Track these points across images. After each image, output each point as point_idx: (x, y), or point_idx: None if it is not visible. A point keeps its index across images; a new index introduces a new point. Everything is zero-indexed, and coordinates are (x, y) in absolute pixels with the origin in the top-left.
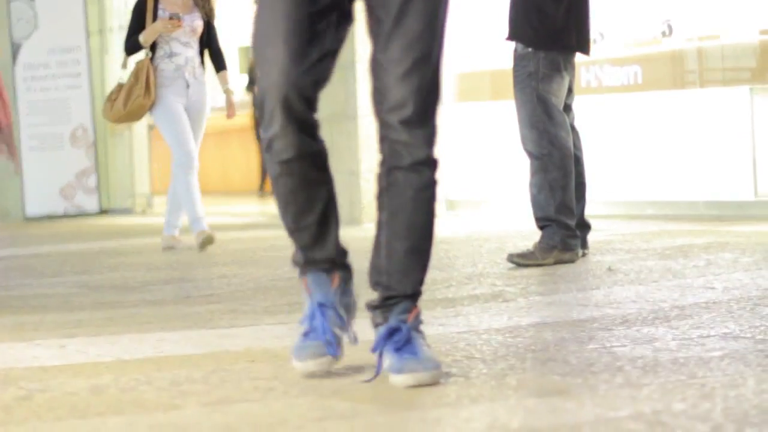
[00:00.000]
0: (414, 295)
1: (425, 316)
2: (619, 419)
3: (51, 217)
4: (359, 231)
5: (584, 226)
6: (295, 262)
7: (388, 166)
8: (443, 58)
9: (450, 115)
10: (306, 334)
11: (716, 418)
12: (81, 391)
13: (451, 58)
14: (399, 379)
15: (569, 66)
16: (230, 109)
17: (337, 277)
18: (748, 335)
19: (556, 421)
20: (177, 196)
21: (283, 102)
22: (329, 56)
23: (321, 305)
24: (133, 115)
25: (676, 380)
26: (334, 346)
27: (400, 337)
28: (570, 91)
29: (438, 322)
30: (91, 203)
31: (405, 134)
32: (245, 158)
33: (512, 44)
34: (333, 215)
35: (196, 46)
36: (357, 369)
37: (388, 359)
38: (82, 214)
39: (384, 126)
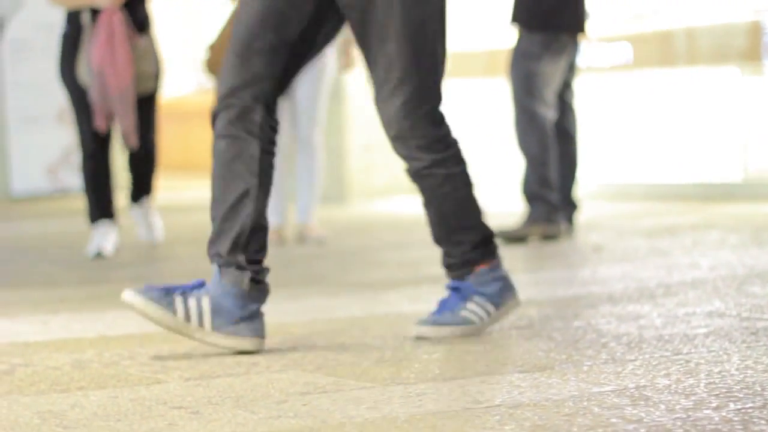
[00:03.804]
0: (465, 263)
1: (410, 293)
2: (603, 394)
3: (36, 195)
4: (345, 209)
5: (572, 205)
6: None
7: (406, 170)
8: (437, 61)
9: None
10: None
11: (700, 393)
12: (63, 366)
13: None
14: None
15: (567, 46)
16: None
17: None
18: (734, 313)
19: (540, 396)
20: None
21: None
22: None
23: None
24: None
25: (660, 356)
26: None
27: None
28: (571, 70)
29: (424, 299)
30: (76, 182)
31: (400, 149)
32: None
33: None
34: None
35: None
36: (340, 345)
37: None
38: (68, 192)
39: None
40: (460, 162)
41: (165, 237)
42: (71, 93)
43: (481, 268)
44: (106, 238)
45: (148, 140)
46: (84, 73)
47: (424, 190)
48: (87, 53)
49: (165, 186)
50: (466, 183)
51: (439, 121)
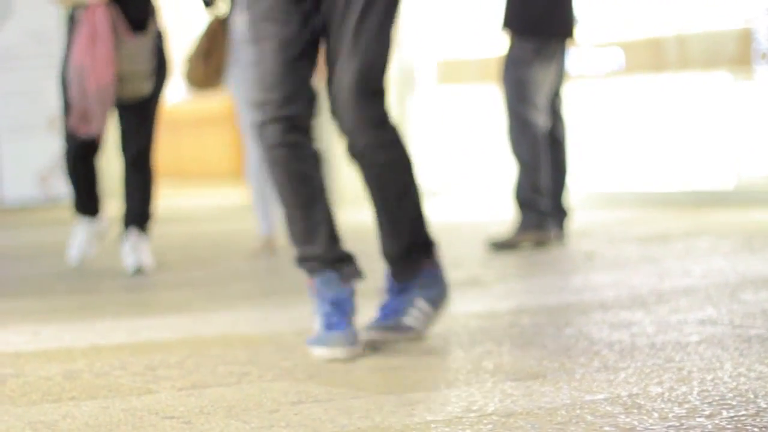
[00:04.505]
0: (408, 260)
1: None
2: (596, 402)
3: (28, 203)
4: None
5: (562, 212)
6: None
7: (348, 148)
8: (393, 42)
9: (429, 99)
10: (328, 327)
11: (693, 401)
12: (55, 376)
13: (431, 45)
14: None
15: (556, 53)
16: None
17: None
18: (726, 320)
19: (533, 405)
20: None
21: None
22: None
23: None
24: (214, 79)
25: (653, 364)
26: (353, 339)
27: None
28: (560, 77)
29: None
30: (67, 190)
31: (347, 122)
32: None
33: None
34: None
35: None
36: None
37: None
38: (60, 201)
39: None
40: (403, 146)
41: (155, 245)
42: (61, 93)
43: (425, 269)
44: (89, 242)
45: (142, 150)
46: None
47: (368, 172)
48: (70, 51)
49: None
50: (408, 169)
51: (385, 101)
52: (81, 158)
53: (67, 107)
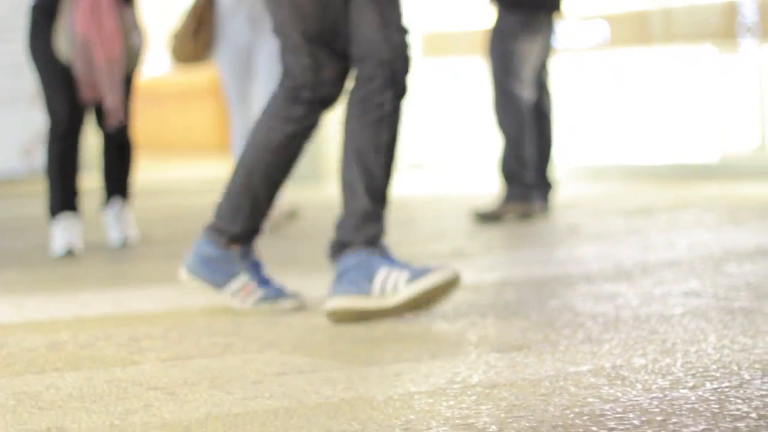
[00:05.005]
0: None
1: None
2: (580, 374)
3: (12, 176)
4: (321, 189)
5: (547, 185)
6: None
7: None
8: None
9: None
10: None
11: (676, 372)
12: (39, 348)
13: (417, 16)
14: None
15: (543, 26)
16: None
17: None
18: (710, 293)
19: (516, 376)
20: None
21: None
22: None
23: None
24: (203, 54)
25: (637, 336)
26: None
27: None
28: (546, 50)
29: None
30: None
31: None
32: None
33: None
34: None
35: None
36: (316, 326)
37: None
38: (43, 174)
39: None
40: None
41: (140, 217)
42: (44, 67)
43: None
44: (72, 233)
45: (123, 126)
46: (64, 44)
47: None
48: (68, 22)
49: (139, 168)
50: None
51: None
52: (67, 135)
53: (53, 85)
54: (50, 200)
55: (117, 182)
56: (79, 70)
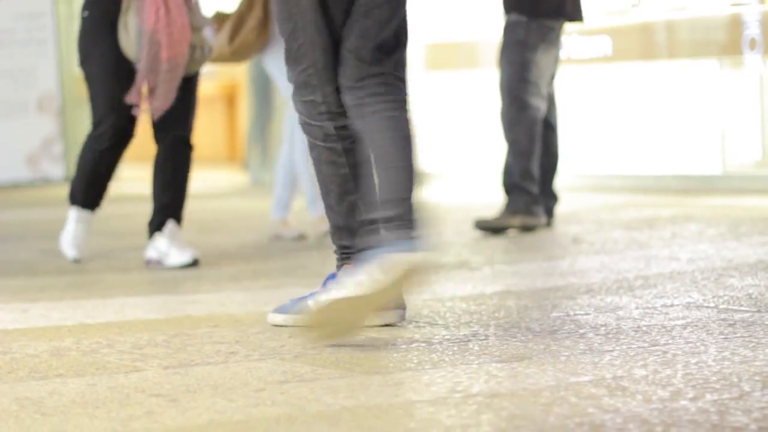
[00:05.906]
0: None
1: None
2: (581, 384)
3: (16, 185)
4: None
5: (552, 197)
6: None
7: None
8: None
9: (419, 85)
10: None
11: (677, 384)
12: (42, 354)
13: (419, 28)
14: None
15: (559, 36)
16: None
17: None
18: (711, 305)
19: (517, 386)
20: (293, 167)
21: None
22: None
23: None
24: (240, 55)
25: (638, 347)
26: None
27: None
28: (558, 61)
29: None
30: (56, 171)
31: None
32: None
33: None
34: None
35: None
36: None
37: None
38: (48, 182)
39: None
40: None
41: (142, 224)
42: (101, 66)
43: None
44: (82, 235)
45: (188, 133)
46: (131, 40)
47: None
48: (136, 17)
49: (134, 177)
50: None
51: None
52: (111, 147)
53: (109, 87)
54: (74, 189)
55: (177, 202)
56: (142, 68)
